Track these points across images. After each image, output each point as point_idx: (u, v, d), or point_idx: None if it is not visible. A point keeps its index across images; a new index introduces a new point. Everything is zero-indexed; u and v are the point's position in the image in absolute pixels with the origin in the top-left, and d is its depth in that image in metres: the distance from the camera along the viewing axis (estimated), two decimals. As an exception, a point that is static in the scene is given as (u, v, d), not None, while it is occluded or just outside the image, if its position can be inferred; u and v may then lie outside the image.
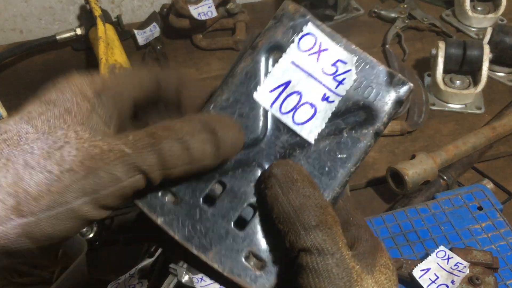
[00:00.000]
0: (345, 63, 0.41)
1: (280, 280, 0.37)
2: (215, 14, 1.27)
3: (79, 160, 0.33)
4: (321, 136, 0.40)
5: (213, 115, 0.39)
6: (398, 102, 0.41)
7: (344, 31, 1.38)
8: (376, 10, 1.39)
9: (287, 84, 0.41)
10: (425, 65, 1.25)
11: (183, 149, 0.35)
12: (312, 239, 0.35)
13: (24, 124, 0.35)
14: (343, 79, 0.41)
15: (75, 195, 0.33)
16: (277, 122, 0.41)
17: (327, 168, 0.40)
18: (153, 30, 1.29)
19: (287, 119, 0.40)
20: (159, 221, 0.38)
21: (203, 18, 1.27)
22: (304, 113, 0.40)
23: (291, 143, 0.40)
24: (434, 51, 1.17)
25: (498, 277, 0.75)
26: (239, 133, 0.38)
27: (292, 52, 0.41)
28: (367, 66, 0.41)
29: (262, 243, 0.38)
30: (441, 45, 1.16)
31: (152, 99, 0.42)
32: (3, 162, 0.33)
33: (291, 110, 0.41)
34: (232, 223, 0.38)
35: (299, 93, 0.41)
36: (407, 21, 1.36)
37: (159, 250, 0.80)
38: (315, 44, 0.41)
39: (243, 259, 0.37)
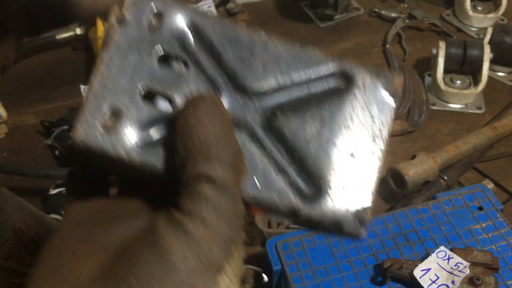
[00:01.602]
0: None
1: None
2: (215, 13, 1.27)
3: None
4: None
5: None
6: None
7: (344, 31, 1.38)
8: (376, 10, 1.39)
9: None
10: (426, 65, 1.25)
11: None
12: (215, 168, 0.31)
13: None
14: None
15: None
16: None
17: None
18: (153, 30, 1.29)
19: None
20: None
21: (203, 17, 1.27)
22: None
23: None
24: (434, 51, 1.17)
25: (498, 277, 0.75)
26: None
27: None
28: None
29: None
30: (442, 45, 1.15)
31: None
32: None
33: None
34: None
35: None
36: (407, 21, 1.36)
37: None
38: None
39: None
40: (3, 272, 0.86)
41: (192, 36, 0.37)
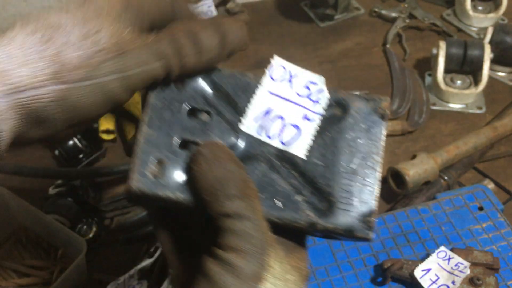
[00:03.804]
0: (315, 84, 0.47)
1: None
2: (215, 13, 1.27)
3: (111, 42, 0.40)
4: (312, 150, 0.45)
5: (220, 16, 0.45)
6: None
7: (344, 31, 1.38)
8: (376, 10, 1.39)
9: (268, 111, 0.45)
10: (426, 65, 1.25)
11: (193, 41, 0.42)
12: (233, 206, 0.39)
13: (64, 14, 0.41)
14: (318, 98, 0.46)
15: (106, 71, 0.39)
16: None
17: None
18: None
19: (275, 143, 0.45)
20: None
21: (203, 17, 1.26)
22: (289, 134, 0.45)
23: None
24: (435, 51, 1.17)
25: (499, 277, 0.75)
26: (241, 29, 0.45)
27: (266, 83, 0.46)
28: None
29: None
30: (442, 44, 1.15)
31: (164, 23, 0.45)
32: (46, 38, 0.39)
33: (278, 133, 0.45)
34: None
35: (281, 117, 0.45)
36: (407, 21, 1.36)
37: (159, 251, 0.80)
38: (284, 72, 0.47)
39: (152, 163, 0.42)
40: (3, 272, 0.86)
41: (211, 89, 0.45)
